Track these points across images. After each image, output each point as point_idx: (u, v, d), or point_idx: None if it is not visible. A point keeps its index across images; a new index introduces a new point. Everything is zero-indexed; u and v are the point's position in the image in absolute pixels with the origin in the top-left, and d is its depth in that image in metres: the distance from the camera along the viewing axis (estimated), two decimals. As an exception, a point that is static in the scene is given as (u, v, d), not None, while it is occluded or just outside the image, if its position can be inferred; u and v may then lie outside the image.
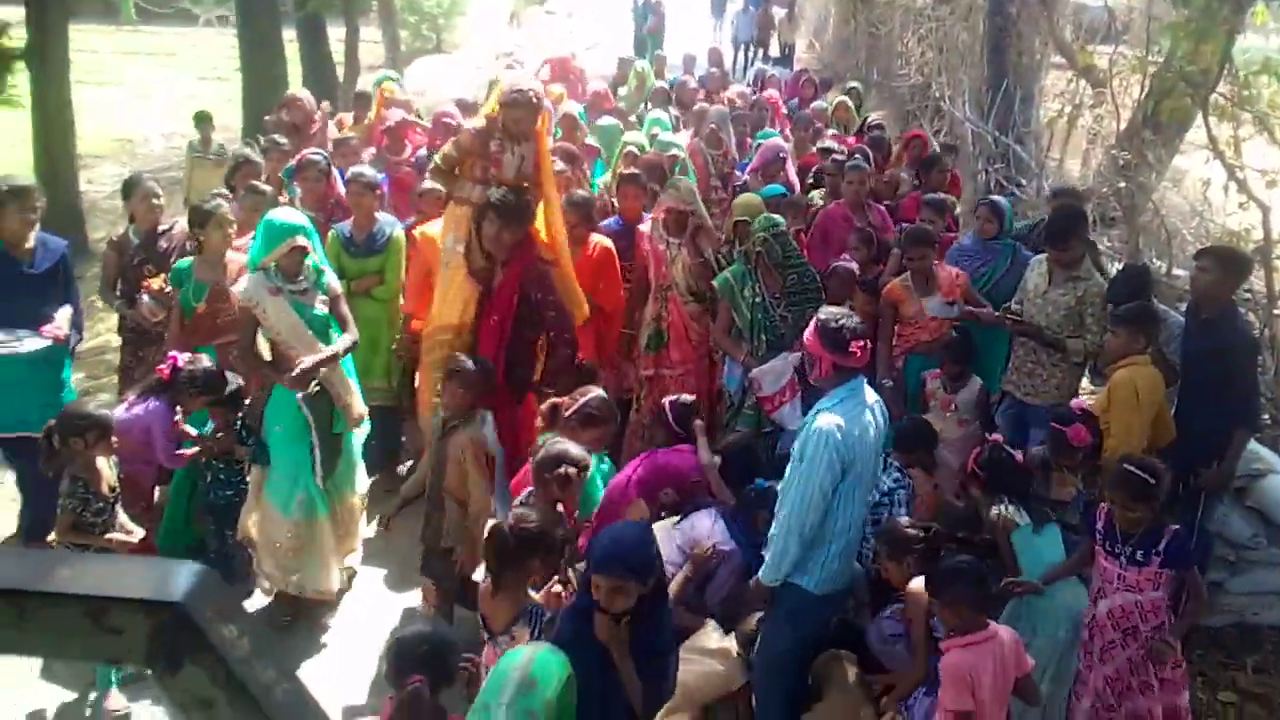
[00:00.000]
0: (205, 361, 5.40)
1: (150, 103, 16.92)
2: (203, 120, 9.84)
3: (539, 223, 5.55)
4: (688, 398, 5.44)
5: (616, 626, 3.23)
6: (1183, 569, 4.11)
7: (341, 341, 5.28)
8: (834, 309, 4.21)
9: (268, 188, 6.98)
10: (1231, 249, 5.82)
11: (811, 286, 5.98)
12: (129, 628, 1.01)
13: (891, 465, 5.05)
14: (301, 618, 5.39)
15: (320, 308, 5.22)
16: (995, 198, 7.04)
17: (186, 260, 5.97)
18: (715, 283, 6.11)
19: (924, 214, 7.02)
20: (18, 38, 10.24)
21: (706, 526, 4.55)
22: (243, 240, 6.21)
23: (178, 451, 5.27)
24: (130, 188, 6.48)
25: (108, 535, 4.53)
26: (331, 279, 5.39)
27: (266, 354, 5.23)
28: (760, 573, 4.12)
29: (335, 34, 17.38)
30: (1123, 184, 8.25)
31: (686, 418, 5.15)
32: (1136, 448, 4.88)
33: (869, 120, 11.27)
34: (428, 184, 6.88)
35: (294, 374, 4.98)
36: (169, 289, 6.02)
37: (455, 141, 5.51)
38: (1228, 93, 7.73)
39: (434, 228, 6.20)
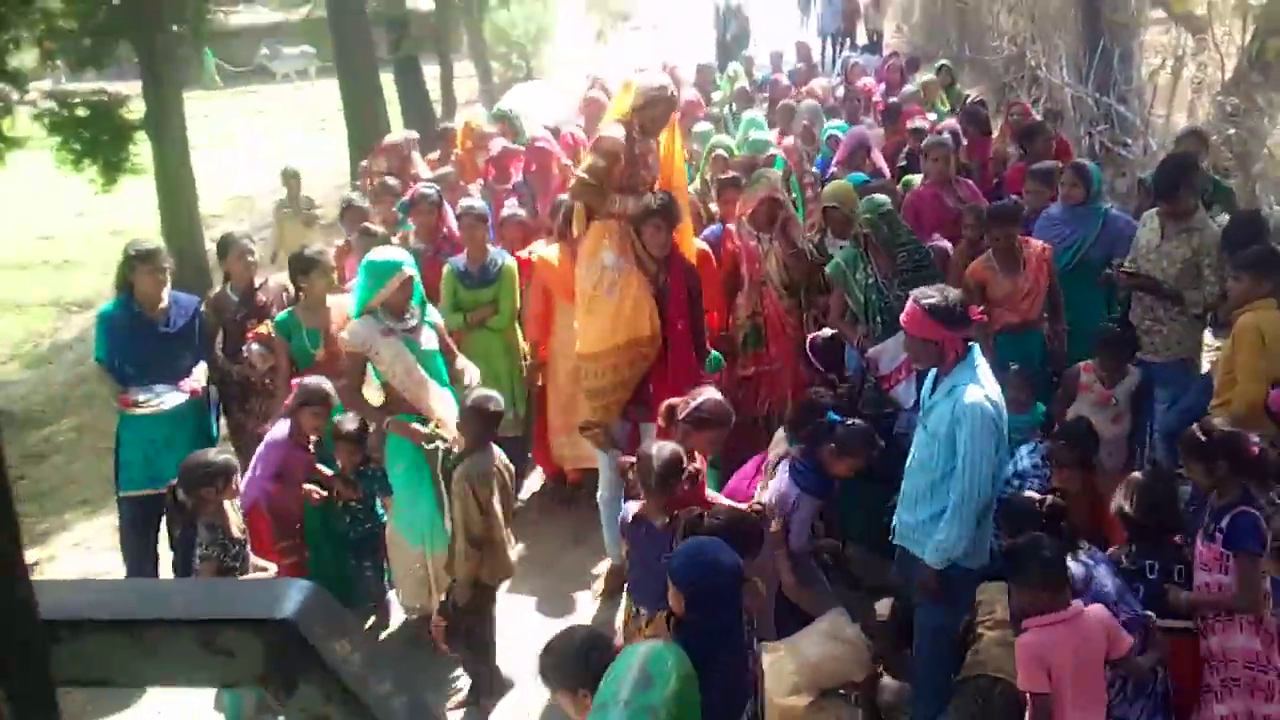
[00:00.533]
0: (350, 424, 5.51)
1: (259, 160, 17.62)
2: (290, 177, 10.06)
3: None
4: (828, 332, 5.73)
5: (666, 627, 3.48)
6: (1236, 551, 3.87)
7: (470, 374, 5.46)
8: (924, 290, 4.21)
9: (380, 229, 7.15)
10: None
11: (924, 263, 5.90)
12: (241, 649, 1.01)
13: (1037, 447, 5.03)
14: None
15: (429, 343, 5.28)
16: (1080, 161, 6.89)
17: (286, 312, 6.02)
18: (827, 268, 6.10)
19: (1029, 185, 6.93)
20: (136, 109, 10.80)
21: (781, 480, 4.69)
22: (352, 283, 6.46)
23: (307, 486, 5.37)
24: (225, 247, 6.56)
25: (246, 577, 4.65)
26: (433, 312, 5.47)
27: (371, 395, 5.39)
28: (930, 558, 4.14)
29: (430, 72, 17.89)
30: (1232, 131, 7.99)
31: (832, 351, 5.36)
32: (1262, 393, 4.77)
33: (968, 98, 11.13)
34: (508, 211, 7.16)
35: (391, 423, 5.17)
36: (275, 336, 6.08)
37: (601, 152, 5.42)
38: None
39: (549, 251, 6.38)
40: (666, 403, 4.93)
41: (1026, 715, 3.60)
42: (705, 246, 6.39)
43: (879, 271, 5.86)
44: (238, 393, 6.31)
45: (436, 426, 5.14)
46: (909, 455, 4.41)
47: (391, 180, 8.37)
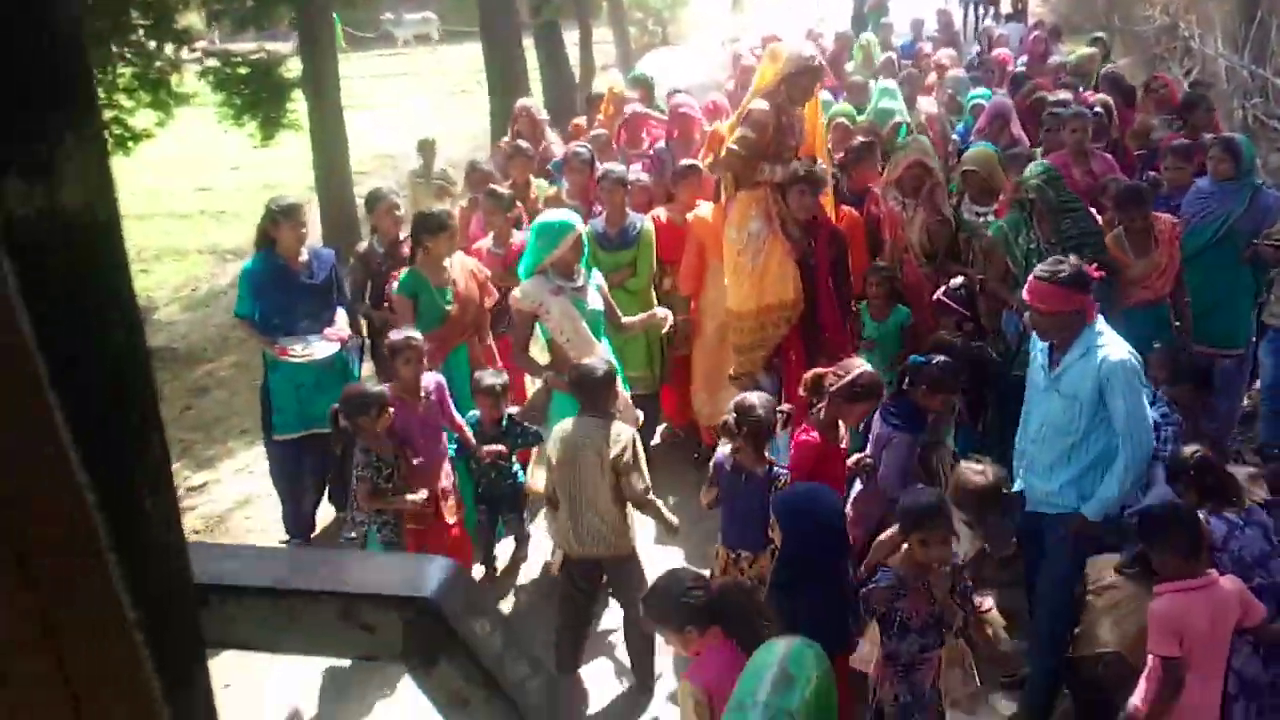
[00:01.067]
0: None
1: (399, 122, 18.16)
2: (425, 146, 10.27)
3: None
4: (955, 281, 6.03)
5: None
6: None
7: (650, 318, 5.80)
8: (1043, 268, 4.32)
9: (507, 191, 7.19)
10: None
11: (1090, 230, 5.86)
12: (381, 624, 1.02)
13: (1157, 399, 5.07)
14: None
15: (595, 303, 5.44)
16: (1229, 134, 6.82)
17: (408, 272, 6.03)
18: (989, 231, 6.10)
19: (1169, 161, 6.84)
20: (294, 68, 11.33)
21: (875, 425, 4.90)
22: (483, 242, 6.69)
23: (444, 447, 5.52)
24: (373, 201, 6.78)
25: (404, 496, 5.07)
26: (597, 274, 5.67)
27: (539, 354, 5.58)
28: (1093, 510, 4.24)
29: (570, 37, 18.14)
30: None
31: (963, 297, 5.77)
32: None
33: (1105, 71, 10.82)
34: (631, 176, 7.14)
35: (553, 379, 5.30)
36: (397, 296, 6.13)
37: (751, 124, 5.63)
38: None
39: (706, 209, 6.55)
40: (814, 373, 4.96)
41: (1143, 680, 3.67)
42: (854, 212, 6.52)
43: (1042, 236, 5.83)
44: (378, 342, 6.44)
45: None
46: (1029, 424, 4.51)
47: (524, 143, 8.49)
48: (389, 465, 5.08)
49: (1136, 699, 3.71)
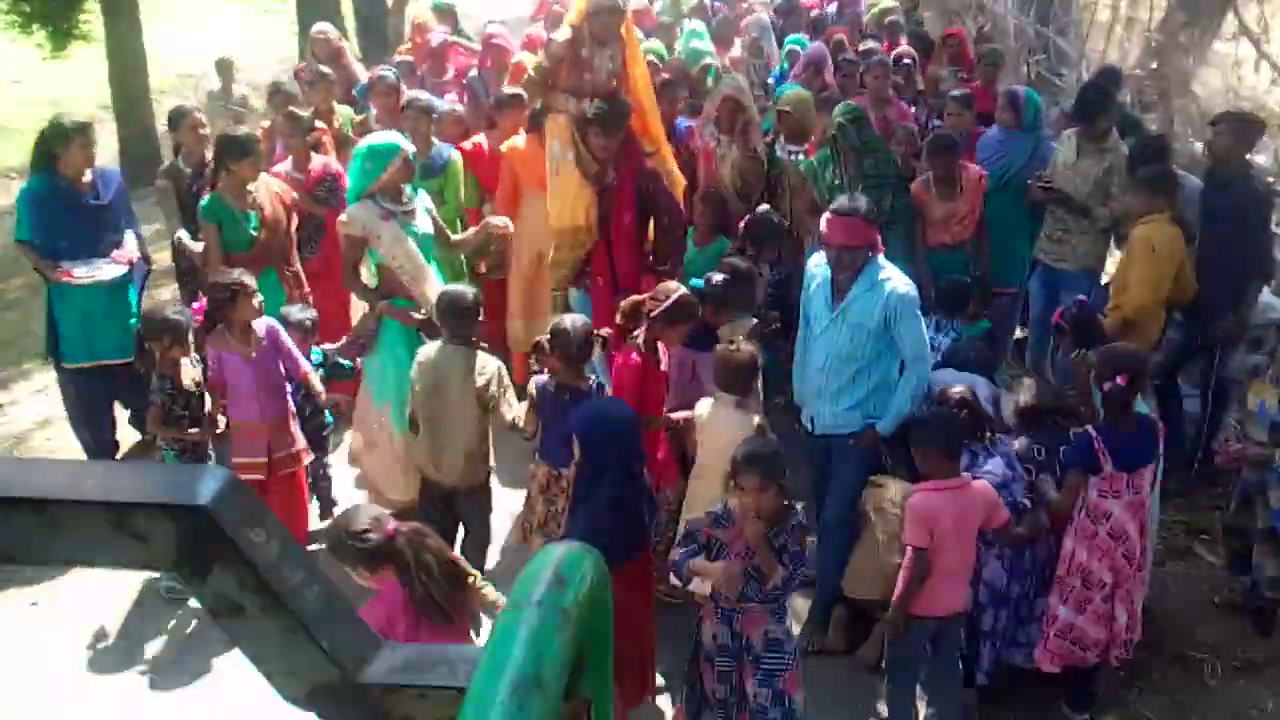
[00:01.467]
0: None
1: (209, 38, 17.32)
2: (223, 67, 9.69)
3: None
4: (764, 208, 6.21)
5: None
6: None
7: (484, 229, 5.74)
8: (841, 203, 4.54)
9: (306, 113, 6.88)
10: (1243, 113, 6.15)
11: (889, 172, 6.13)
12: (154, 534, 1.00)
13: (948, 326, 5.58)
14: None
15: (425, 226, 5.35)
16: (1014, 88, 7.25)
17: (210, 197, 5.80)
18: (801, 166, 6.36)
19: (951, 107, 7.20)
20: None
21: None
22: (282, 166, 6.44)
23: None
24: (178, 119, 6.48)
25: (193, 430, 4.94)
26: (424, 195, 5.54)
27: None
28: (886, 425, 4.55)
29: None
30: (1154, 65, 8.46)
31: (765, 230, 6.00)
32: (1156, 299, 5.30)
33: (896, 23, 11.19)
34: (445, 106, 7.11)
35: (384, 308, 5.24)
36: (201, 222, 5.90)
37: (548, 53, 5.79)
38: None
39: (519, 139, 6.51)
40: (630, 300, 5.09)
41: (901, 572, 4.04)
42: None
43: (846, 174, 6.08)
44: (189, 267, 6.32)
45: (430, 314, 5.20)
46: (812, 357, 4.70)
47: (326, 70, 8.13)
48: (184, 395, 4.95)
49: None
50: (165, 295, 7.79)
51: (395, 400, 5.29)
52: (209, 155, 6.19)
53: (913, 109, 8.14)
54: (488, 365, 4.69)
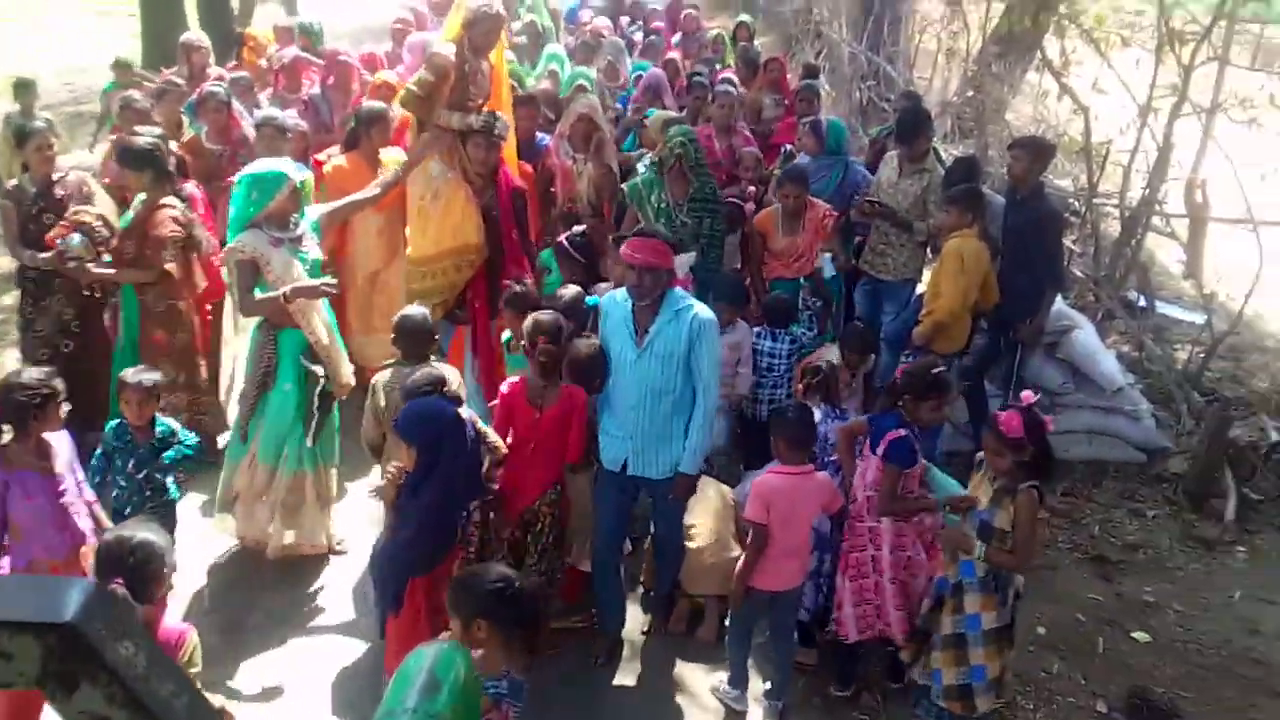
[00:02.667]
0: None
1: (47, 38, 16.82)
2: (23, 89, 8.76)
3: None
4: (576, 229, 6.29)
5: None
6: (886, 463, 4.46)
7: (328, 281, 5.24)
8: (642, 227, 4.88)
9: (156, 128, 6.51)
10: (1037, 138, 6.87)
11: (711, 197, 6.29)
12: (19, 651, 0.99)
13: (783, 335, 5.97)
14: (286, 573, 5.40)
15: (315, 251, 5.28)
16: (816, 118, 7.52)
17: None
18: (624, 187, 6.45)
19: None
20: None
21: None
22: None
23: None
24: (24, 138, 6.21)
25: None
26: (312, 214, 5.38)
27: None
28: (691, 466, 4.63)
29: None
30: (970, 93, 9.19)
31: (579, 244, 6.10)
32: (965, 307, 5.86)
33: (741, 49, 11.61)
34: (290, 122, 6.99)
35: (295, 289, 4.98)
36: (98, 225, 5.77)
37: (432, 67, 5.62)
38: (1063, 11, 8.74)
39: (341, 159, 6.42)
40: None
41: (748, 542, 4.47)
42: (527, 166, 6.75)
43: (672, 197, 6.20)
44: (32, 289, 6.02)
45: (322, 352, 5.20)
46: (625, 397, 4.60)
47: (177, 80, 8.01)
48: None
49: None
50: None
51: (287, 436, 5.24)
52: (54, 174, 6.06)
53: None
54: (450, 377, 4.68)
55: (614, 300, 4.71)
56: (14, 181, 6.23)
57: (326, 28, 10.29)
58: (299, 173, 5.20)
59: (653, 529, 5.07)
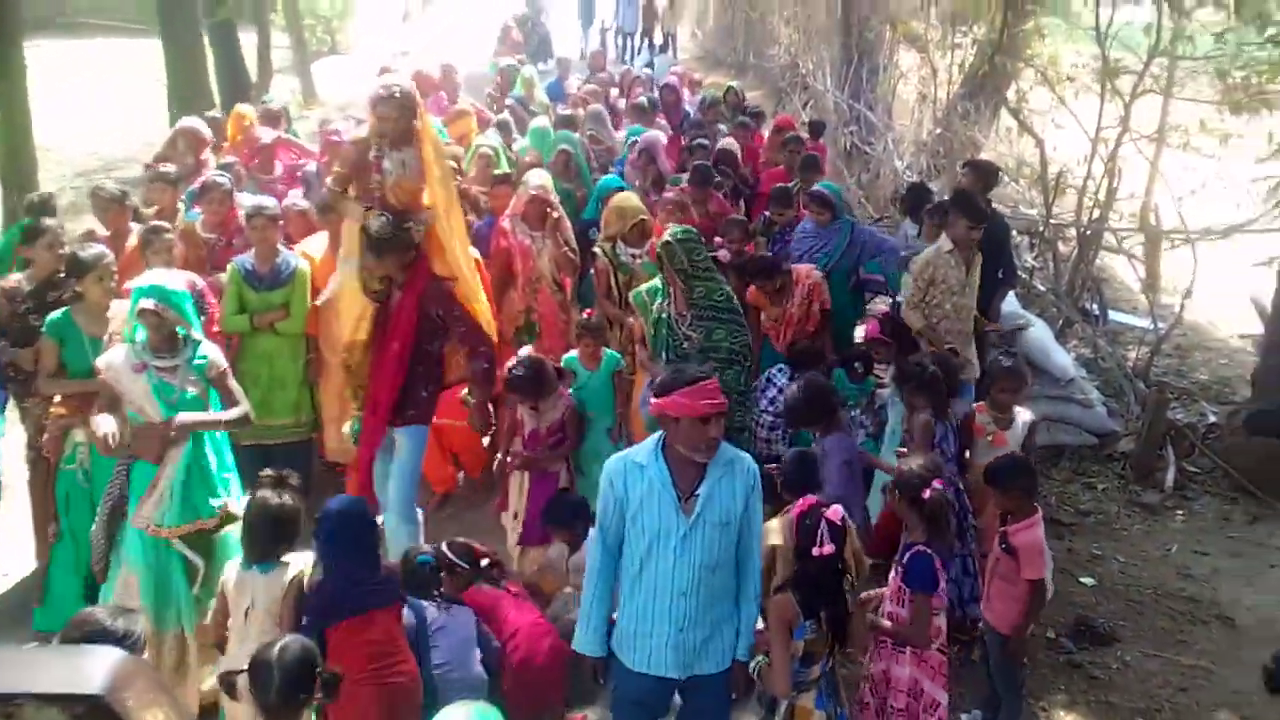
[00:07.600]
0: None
1: (78, 114, 17.74)
2: (38, 207, 7.38)
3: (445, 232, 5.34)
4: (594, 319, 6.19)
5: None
6: (912, 589, 4.22)
7: (229, 412, 4.75)
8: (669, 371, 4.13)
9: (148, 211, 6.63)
10: (983, 160, 7.81)
11: (722, 304, 5.48)
12: None
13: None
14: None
15: (191, 389, 4.64)
16: (818, 189, 7.58)
17: (63, 311, 5.33)
18: (630, 296, 5.96)
19: (771, 206, 7.98)
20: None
21: None
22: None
23: None
24: (36, 234, 5.90)
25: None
26: (214, 354, 4.80)
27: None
28: (745, 651, 3.81)
29: (248, 39, 18.35)
30: (940, 130, 10.18)
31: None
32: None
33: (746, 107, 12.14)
34: (288, 201, 7.05)
35: (160, 431, 4.51)
36: (44, 337, 5.40)
37: (341, 158, 5.44)
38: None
39: (313, 245, 6.48)
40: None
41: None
42: (476, 254, 6.29)
43: (675, 306, 5.53)
44: (14, 389, 5.84)
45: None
46: (669, 585, 3.63)
47: (167, 166, 7.75)
48: None
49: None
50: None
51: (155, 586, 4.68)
52: (57, 273, 5.77)
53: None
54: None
55: (631, 463, 3.67)
56: (16, 277, 5.90)
57: (345, 99, 10.55)
58: (159, 299, 4.54)
59: None
